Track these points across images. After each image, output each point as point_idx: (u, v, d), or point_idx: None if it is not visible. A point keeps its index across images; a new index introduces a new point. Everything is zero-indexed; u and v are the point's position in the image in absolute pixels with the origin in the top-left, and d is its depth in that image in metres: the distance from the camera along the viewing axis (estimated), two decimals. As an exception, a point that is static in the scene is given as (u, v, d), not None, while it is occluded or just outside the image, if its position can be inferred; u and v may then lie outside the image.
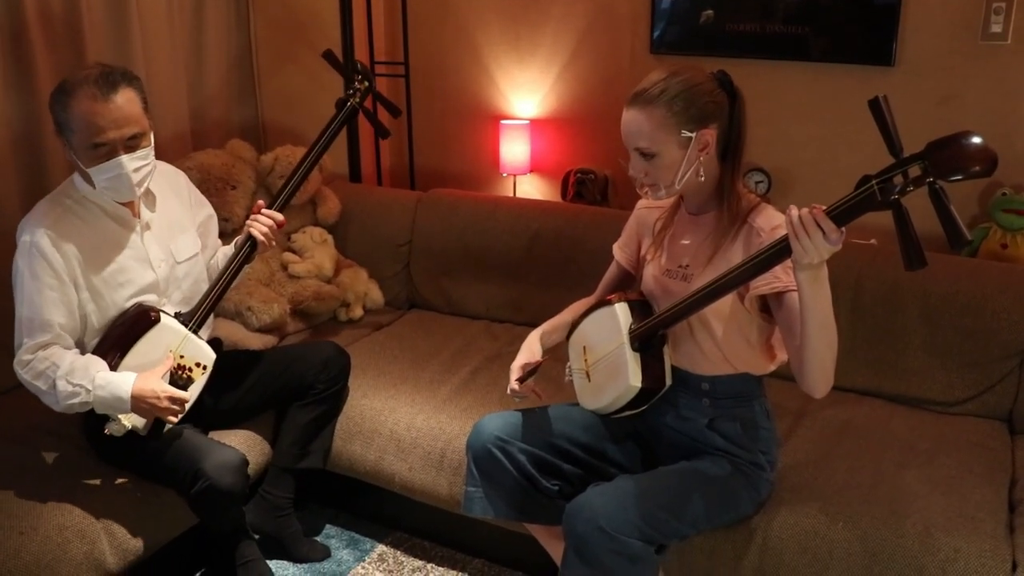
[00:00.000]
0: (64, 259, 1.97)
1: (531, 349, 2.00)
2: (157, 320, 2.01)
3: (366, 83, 2.46)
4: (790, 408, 2.30)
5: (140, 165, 1.98)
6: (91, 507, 1.97)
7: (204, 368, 2.06)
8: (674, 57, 2.98)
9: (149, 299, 2.11)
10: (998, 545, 1.77)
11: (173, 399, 1.93)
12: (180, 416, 1.97)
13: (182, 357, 2.02)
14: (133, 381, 1.92)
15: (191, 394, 2.00)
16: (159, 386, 1.93)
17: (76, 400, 1.91)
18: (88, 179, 1.99)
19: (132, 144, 1.96)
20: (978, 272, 2.33)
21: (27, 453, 2.13)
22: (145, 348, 1.99)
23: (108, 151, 1.93)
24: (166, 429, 2.03)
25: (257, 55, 3.55)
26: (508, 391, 1.98)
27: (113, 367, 1.95)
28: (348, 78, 2.47)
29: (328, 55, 2.50)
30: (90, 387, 1.90)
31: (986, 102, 2.56)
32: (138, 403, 1.91)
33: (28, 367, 1.94)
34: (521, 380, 1.96)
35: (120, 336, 2.00)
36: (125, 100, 1.94)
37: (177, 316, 2.10)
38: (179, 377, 2.01)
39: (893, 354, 2.36)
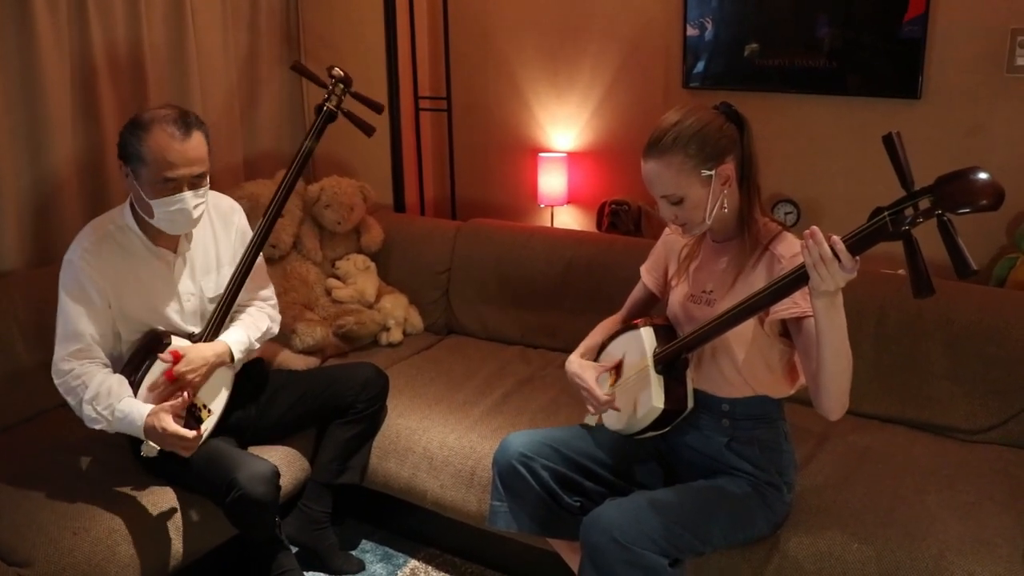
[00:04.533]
0: (98, 279, 2.11)
1: (589, 365, 2.03)
2: (168, 344, 2.15)
3: (340, 86, 2.54)
4: (813, 432, 2.33)
5: (199, 203, 2.14)
6: (139, 513, 2.09)
7: (210, 412, 2.17)
8: (706, 92, 3.06)
9: (177, 327, 2.23)
10: (1013, 570, 1.78)
11: (178, 437, 1.99)
12: (191, 452, 2.03)
13: (195, 397, 2.13)
14: (145, 415, 2.00)
15: (196, 434, 2.02)
16: (167, 424, 1.99)
17: (99, 426, 2.04)
18: (147, 209, 2.13)
19: (196, 182, 2.12)
20: (1001, 301, 2.35)
21: (81, 460, 2.27)
22: (160, 372, 2.12)
23: (175, 186, 2.08)
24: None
25: (307, 91, 3.72)
26: (589, 416, 2.04)
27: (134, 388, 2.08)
28: (323, 85, 2.55)
29: (296, 66, 2.61)
30: (110, 418, 2.02)
31: (1012, 133, 2.59)
32: (149, 434, 2.01)
33: (62, 380, 2.08)
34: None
35: (139, 362, 2.13)
36: (198, 142, 2.10)
37: (191, 337, 2.23)
38: (191, 415, 2.10)
39: (917, 382, 2.38)
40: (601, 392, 1.97)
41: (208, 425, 2.17)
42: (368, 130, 2.69)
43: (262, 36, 3.47)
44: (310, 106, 3.73)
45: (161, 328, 2.21)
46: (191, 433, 2.01)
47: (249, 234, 2.47)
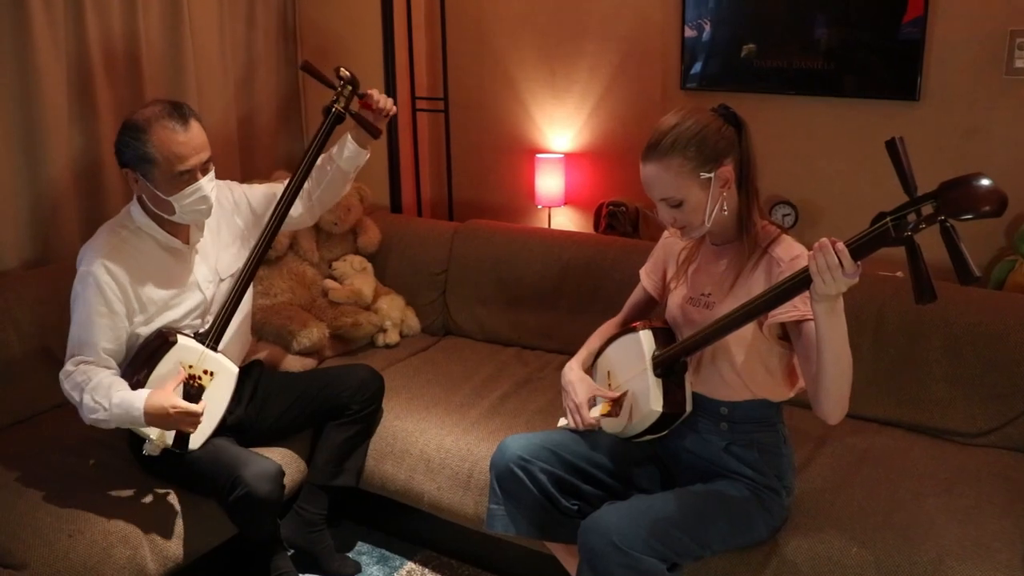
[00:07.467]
0: (118, 288, 2.11)
1: (586, 382, 2.02)
2: (175, 342, 2.14)
3: (349, 88, 2.49)
4: (811, 435, 2.33)
5: (212, 185, 2.17)
6: (135, 515, 2.08)
7: (211, 374, 2.14)
8: (704, 93, 3.05)
9: (197, 319, 2.24)
10: (1013, 575, 1.77)
11: (183, 412, 2.01)
12: (197, 425, 2.04)
13: (191, 367, 2.12)
14: (145, 398, 2.00)
15: (203, 404, 2.06)
16: (168, 401, 1.99)
17: (97, 416, 2.01)
18: (166, 207, 2.14)
19: (206, 167, 2.15)
20: (1001, 304, 2.34)
21: (77, 462, 2.26)
22: (165, 369, 2.11)
23: (189, 177, 2.11)
24: (192, 444, 2.10)
25: (305, 91, 3.70)
26: (563, 420, 2.02)
27: (138, 387, 2.06)
28: (331, 86, 2.51)
29: (306, 66, 2.55)
30: (107, 405, 2.00)
31: (1011, 135, 2.57)
32: (152, 418, 2.00)
33: (69, 377, 2.07)
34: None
35: (144, 360, 2.12)
36: (197, 128, 2.13)
37: (196, 335, 2.22)
38: (191, 386, 2.10)
39: (915, 384, 2.37)
40: (589, 415, 1.96)
41: (210, 395, 2.13)
42: (375, 133, 2.63)
43: (259, 35, 3.45)
44: (308, 105, 3.72)
45: (171, 327, 2.20)
46: (194, 406, 2.02)
47: (242, 195, 2.45)
